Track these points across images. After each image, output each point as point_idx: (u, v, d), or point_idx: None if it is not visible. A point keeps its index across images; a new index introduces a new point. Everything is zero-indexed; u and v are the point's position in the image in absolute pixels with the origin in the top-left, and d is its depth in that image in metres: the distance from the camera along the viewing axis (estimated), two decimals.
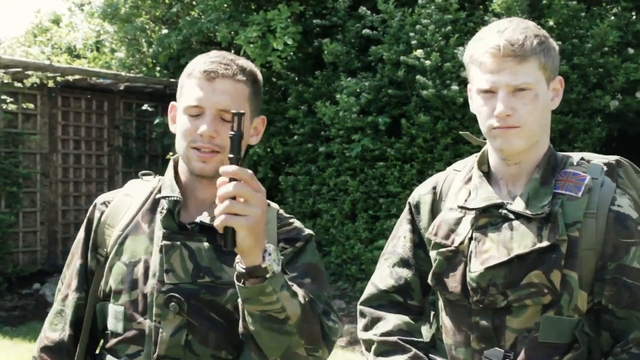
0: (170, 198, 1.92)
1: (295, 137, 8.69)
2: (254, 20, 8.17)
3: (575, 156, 2.04)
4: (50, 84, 9.35)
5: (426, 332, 2.11)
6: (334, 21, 8.56)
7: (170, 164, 2.02)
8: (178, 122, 1.95)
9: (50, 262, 9.80)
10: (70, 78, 9.55)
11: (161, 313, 1.87)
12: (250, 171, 1.56)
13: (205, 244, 1.91)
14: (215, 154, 1.89)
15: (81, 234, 2.05)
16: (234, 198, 1.55)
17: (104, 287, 1.96)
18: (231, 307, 1.90)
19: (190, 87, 1.92)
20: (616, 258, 1.88)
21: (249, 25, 8.18)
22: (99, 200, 2.07)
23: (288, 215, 2.05)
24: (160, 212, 1.94)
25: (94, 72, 10.33)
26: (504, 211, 1.94)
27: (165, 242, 1.90)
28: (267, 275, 1.63)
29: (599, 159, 2.04)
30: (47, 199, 9.86)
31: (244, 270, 1.62)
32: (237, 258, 1.64)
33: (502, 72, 1.88)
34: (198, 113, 1.89)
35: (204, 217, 1.92)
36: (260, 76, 2.01)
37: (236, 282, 1.66)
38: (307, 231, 2.03)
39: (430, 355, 2.02)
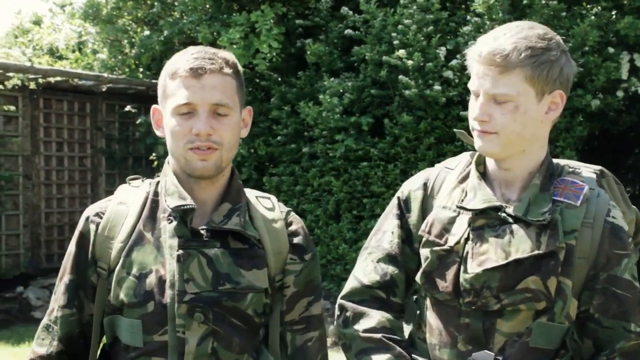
0: (184, 207, 1.88)
1: (279, 137, 8.69)
2: (237, 21, 8.16)
3: (560, 163, 2.05)
4: (32, 85, 9.28)
5: (406, 330, 2.11)
6: (317, 22, 8.56)
7: (168, 168, 1.98)
8: (167, 124, 1.92)
9: (33, 265, 9.74)
10: (52, 80, 9.48)
11: (185, 323, 1.85)
12: None
13: (220, 250, 1.90)
14: (213, 151, 1.87)
15: (72, 248, 1.98)
16: None
17: (112, 301, 1.91)
18: (251, 311, 1.92)
19: (176, 86, 1.88)
20: (608, 268, 1.90)
21: (232, 26, 8.16)
22: (91, 212, 1.99)
23: (286, 208, 2.09)
24: (168, 220, 1.91)
25: (75, 73, 10.27)
26: (503, 214, 1.94)
27: (181, 251, 1.87)
28: None
29: (585, 168, 2.06)
30: (29, 202, 9.80)
31: None
32: None
33: (485, 78, 1.89)
34: (189, 112, 1.86)
35: (214, 221, 1.91)
36: (240, 67, 1.99)
37: None
38: (311, 243, 2.09)
39: (413, 355, 2.01)
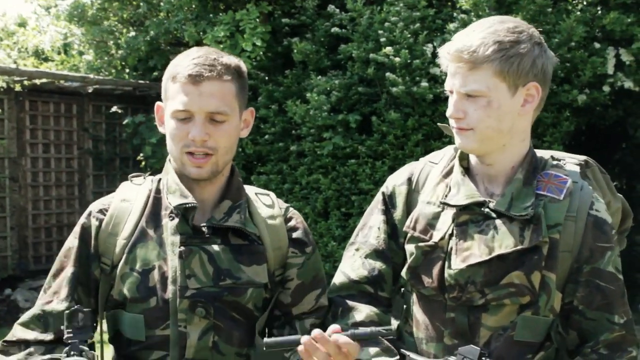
0: (186, 205, 1.92)
1: (267, 136, 8.66)
2: (222, 20, 8.14)
3: (545, 154, 2.05)
4: (17, 87, 9.23)
5: (393, 324, 2.12)
6: (303, 20, 8.55)
7: (169, 166, 2.03)
8: (167, 125, 1.97)
9: (21, 267, 9.69)
10: (37, 81, 9.43)
11: (186, 318, 1.90)
12: (358, 348, 1.77)
13: (221, 246, 1.94)
14: (209, 157, 1.93)
15: (73, 242, 2.01)
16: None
17: (115, 296, 1.95)
18: (251, 306, 1.97)
19: (175, 91, 1.92)
20: (592, 261, 1.91)
21: (217, 25, 8.14)
22: (94, 208, 2.03)
23: (285, 204, 2.14)
24: (170, 217, 1.95)
25: (61, 75, 10.22)
26: (486, 209, 1.95)
27: (183, 247, 1.91)
28: None
29: (569, 159, 2.06)
30: (16, 204, 9.75)
31: None
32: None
33: (456, 76, 1.91)
34: (186, 117, 1.91)
35: (215, 218, 1.96)
36: (244, 68, 2.03)
37: None
38: (310, 237, 2.13)
39: (401, 350, 2.02)
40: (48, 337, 1.93)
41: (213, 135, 1.91)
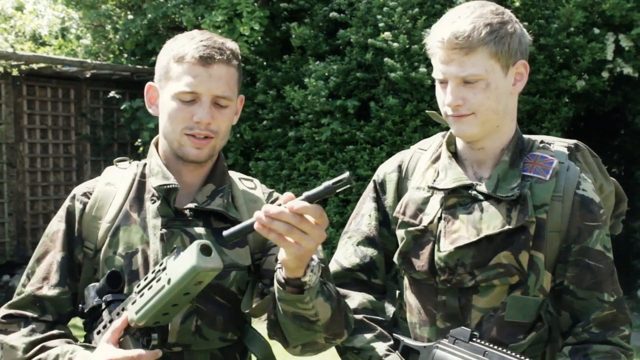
0: (167, 186, 1.91)
1: (265, 122, 8.66)
2: (220, 4, 8.11)
3: (534, 139, 2.07)
4: (15, 72, 9.21)
5: (389, 310, 2.12)
6: (302, 5, 8.52)
7: (153, 149, 2.01)
8: (165, 105, 1.93)
9: (19, 253, 9.69)
10: (35, 66, 9.41)
11: None
12: (320, 208, 1.56)
13: (203, 229, 1.93)
14: (209, 140, 1.92)
15: (59, 226, 1.98)
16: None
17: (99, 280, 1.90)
18: (235, 289, 1.95)
19: (182, 72, 1.89)
20: (580, 240, 1.93)
21: (215, 9, 8.11)
22: (78, 191, 2.01)
23: (269, 190, 2.12)
24: (152, 200, 1.94)
25: (59, 59, 10.18)
26: (473, 192, 1.97)
27: (164, 230, 1.90)
28: (306, 288, 1.70)
29: (559, 143, 2.08)
30: (14, 190, 9.74)
31: (283, 281, 1.70)
32: (278, 264, 1.70)
33: (451, 63, 1.92)
34: (192, 99, 1.89)
35: (197, 201, 1.94)
36: (240, 57, 2.02)
37: (275, 285, 1.72)
38: None
39: (394, 334, 2.04)
40: (48, 318, 1.92)
41: (216, 119, 1.90)
